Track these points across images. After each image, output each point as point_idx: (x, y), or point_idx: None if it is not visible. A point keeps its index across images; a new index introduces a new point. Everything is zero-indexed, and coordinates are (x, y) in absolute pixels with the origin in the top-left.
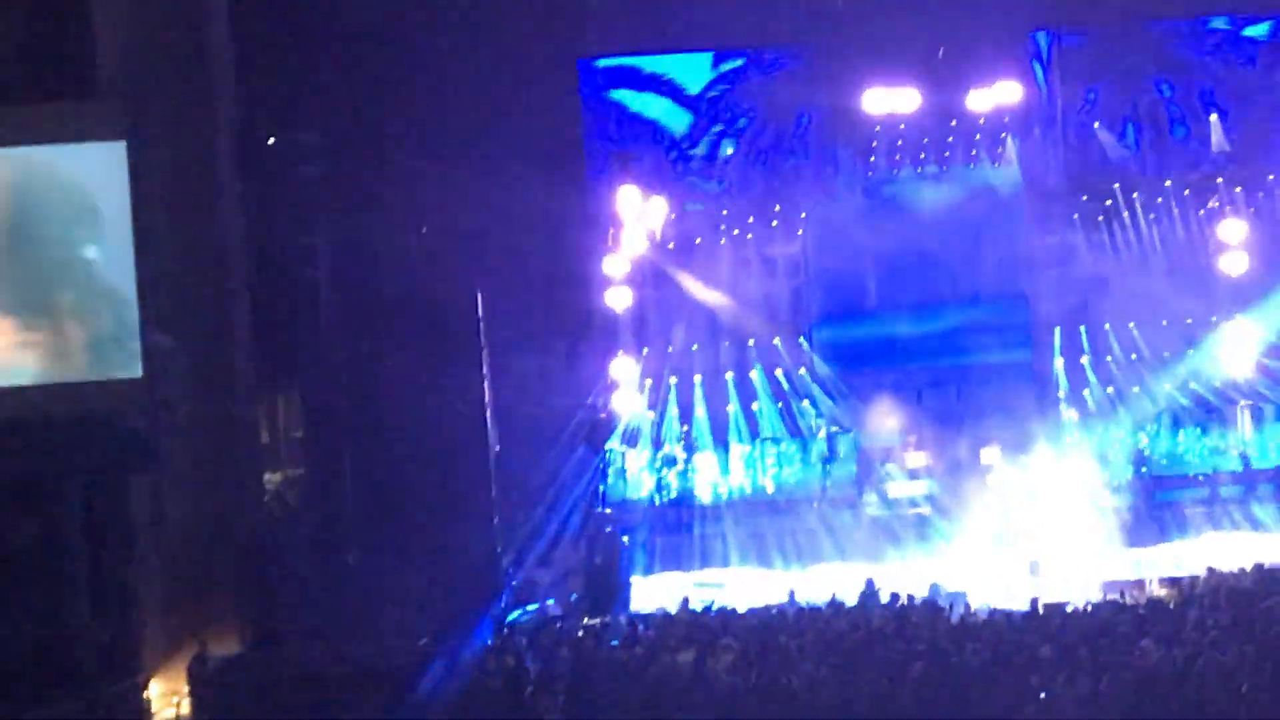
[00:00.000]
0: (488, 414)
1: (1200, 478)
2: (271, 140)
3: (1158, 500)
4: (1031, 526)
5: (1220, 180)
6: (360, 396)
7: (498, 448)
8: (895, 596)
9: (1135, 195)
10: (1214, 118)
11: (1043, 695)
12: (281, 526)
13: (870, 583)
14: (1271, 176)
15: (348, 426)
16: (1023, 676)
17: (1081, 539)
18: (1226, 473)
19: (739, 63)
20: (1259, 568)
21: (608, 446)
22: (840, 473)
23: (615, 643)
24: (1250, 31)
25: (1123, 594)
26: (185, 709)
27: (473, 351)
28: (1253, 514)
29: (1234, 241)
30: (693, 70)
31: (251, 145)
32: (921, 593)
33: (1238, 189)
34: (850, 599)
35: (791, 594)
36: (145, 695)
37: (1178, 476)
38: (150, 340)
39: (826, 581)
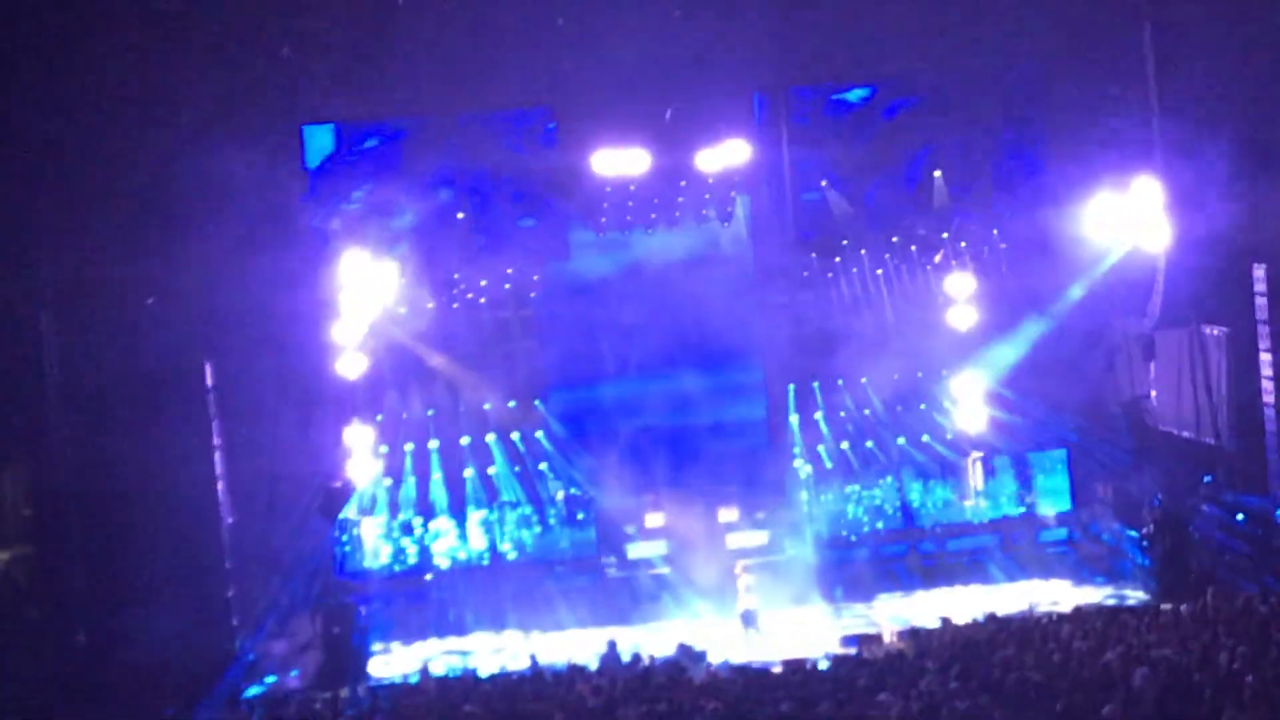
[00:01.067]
0: (219, 485)
1: (937, 529)
2: None
3: (893, 553)
4: (751, 581)
5: (945, 236)
6: (88, 471)
7: (231, 519)
8: (637, 657)
9: (863, 252)
10: (938, 174)
11: None
12: (9, 607)
13: (612, 644)
14: (995, 231)
15: (76, 502)
16: None
17: (804, 594)
18: (959, 524)
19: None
20: (992, 617)
21: (344, 515)
22: (579, 536)
23: (352, 714)
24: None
25: (861, 648)
26: None
27: (202, 422)
28: (985, 564)
29: (961, 296)
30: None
31: None
32: (666, 652)
33: (963, 244)
34: (593, 662)
35: (534, 658)
36: None
37: (915, 528)
38: None
39: (570, 645)
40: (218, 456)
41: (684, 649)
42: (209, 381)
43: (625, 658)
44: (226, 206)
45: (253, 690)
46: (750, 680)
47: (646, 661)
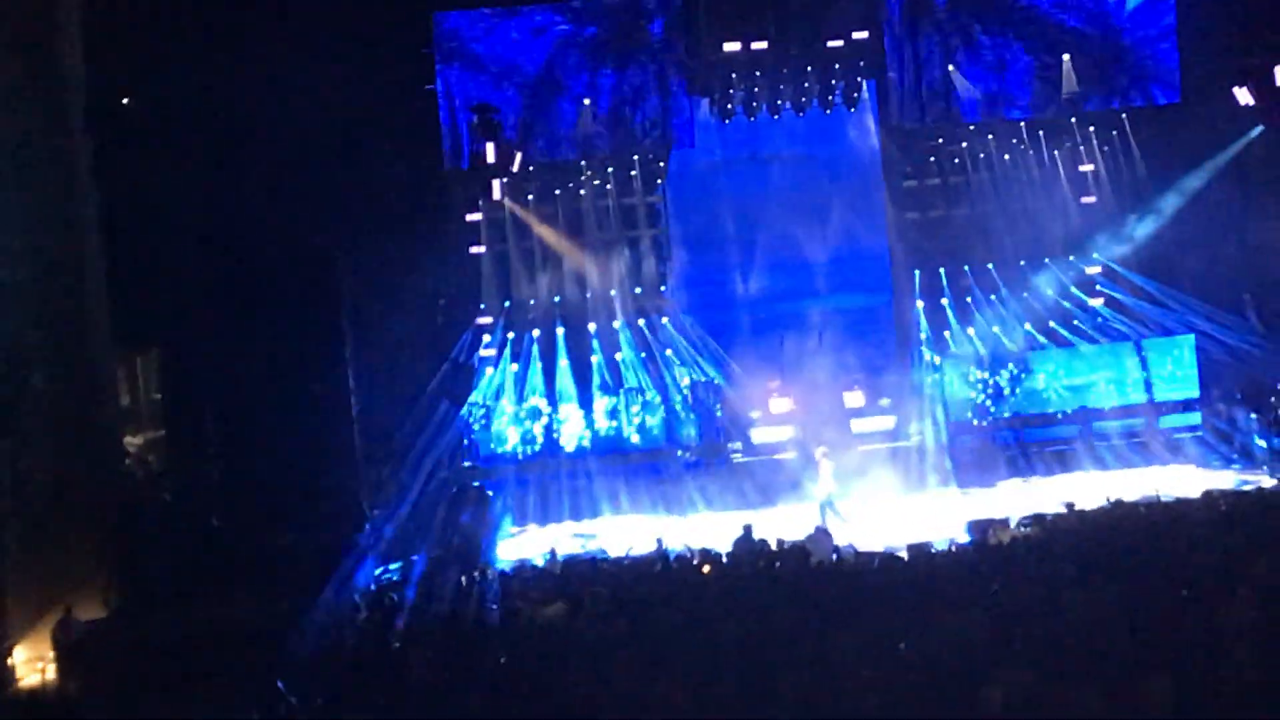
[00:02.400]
0: (349, 371)
1: (1060, 415)
2: (125, 101)
3: (1018, 438)
4: (832, 467)
5: (1073, 121)
6: (220, 358)
7: (360, 405)
8: (763, 542)
9: (991, 137)
10: (1066, 59)
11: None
12: (143, 489)
13: (748, 529)
14: (1124, 114)
15: (208, 388)
16: (889, 615)
17: (930, 479)
18: (1084, 409)
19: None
20: (1118, 503)
21: (471, 400)
22: (705, 421)
23: (484, 596)
24: None
25: (987, 532)
26: (50, 674)
27: (333, 310)
28: (1110, 451)
29: (1089, 180)
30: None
31: (104, 111)
32: (793, 537)
33: (1091, 129)
34: (717, 546)
35: (659, 541)
36: (9, 661)
37: (1038, 414)
38: (8, 303)
39: (697, 529)
40: (348, 342)
41: (820, 531)
42: (339, 269)
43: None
44: (360, 96)
45: (383, 572)
46: (875, 565)
47: (774, 546)
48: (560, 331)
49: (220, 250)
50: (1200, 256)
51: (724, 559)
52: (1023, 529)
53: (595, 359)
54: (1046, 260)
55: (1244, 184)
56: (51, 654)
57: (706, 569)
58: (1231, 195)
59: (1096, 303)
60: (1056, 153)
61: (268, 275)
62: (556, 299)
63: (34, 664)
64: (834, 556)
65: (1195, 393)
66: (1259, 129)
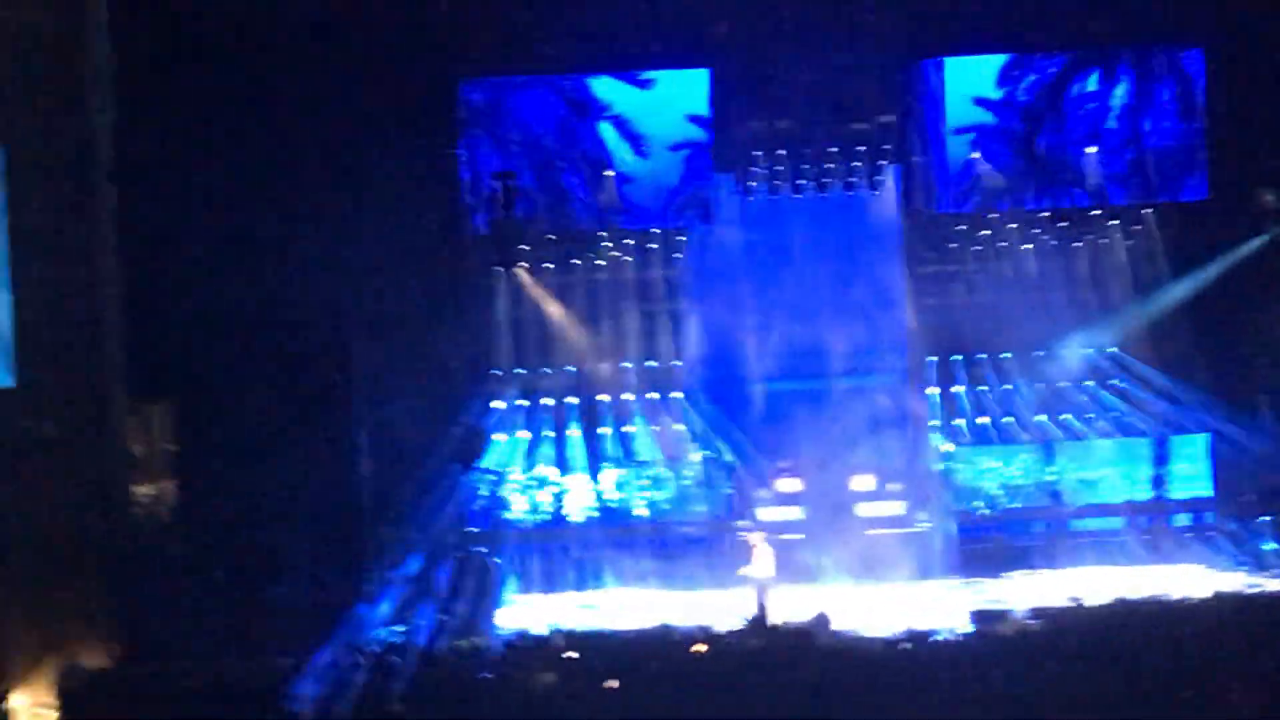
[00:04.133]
0: (360, 431)
1: (1070, 508)
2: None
3: (1027, 529)
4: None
5: (1097, 213)
6: (232, 412)
7: (370, 464)
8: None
9: (1013, 226)
10: (1090, 152)
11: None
12: (151, 540)
13: (762, 605)
14: (1147, 210)
15: (219, 440)
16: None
17: (935, 567)
18: (1095, 505)
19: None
20: (1123, 601)
21: (480, 465)
22: (713, 497)
23: (483, 664)
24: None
25: (990, 623)
26: None
27: (344, 368)
28: (1119, 547)
29: (1109, 271)
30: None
31: (128, 153)
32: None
33: (1114, 222)
34: (721, 624)
35: (662, 618)
36: (8, 708)
37: (1048, 506)
38: (22, 350)
39: (700, 605)
40: (358, 401)
41: (821, 617)
42: (352, 326)
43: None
44: (375, 166)
45: (383, 634)
46: (875, 650)
47: (779, 626)
48: (572, 401)
49: (236, 306)
50: (1218, 355)
51: (723, 637)
52: (1027, 621)
53: (606, 430)
54: (1064, 352)
55: (1264, 283)
56: (54, 701)
57: (702, 648)
58: (1251, 293)
59: (1112, 397)
60: (1078, 245)
61: (281, 328)
62: (570, 369)
63: (34, 711)
64: (834, 639)
65: (1208, 492)
66: None
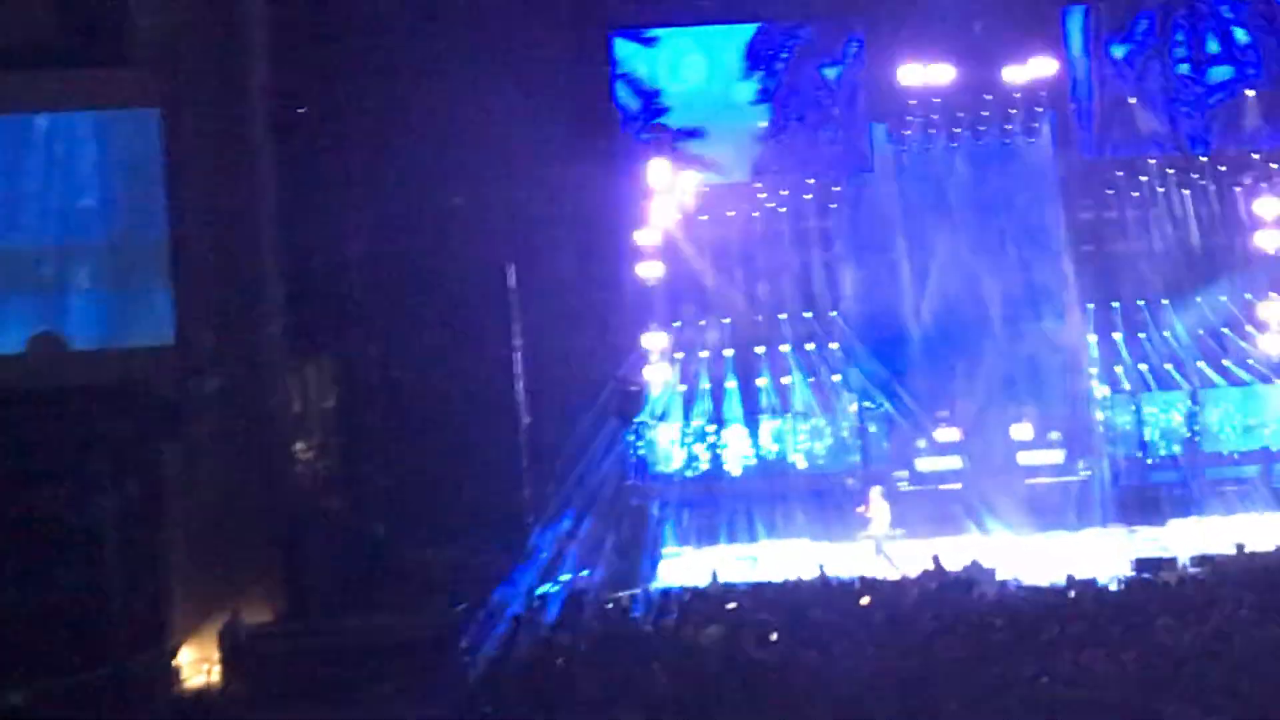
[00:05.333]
0: (518, 386)
1: (1235, 455)
2: (304, 110)
3: (1189, 477)
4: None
5: (1256, 157)
6: (392, 367)
7: (528, 419)
8: (926, 572)
9: (1170, 171)
10: (1250, 94)
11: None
12: (312, 497)
13: (936, 559)
14: None
15: (379, 397)
16: (1049, 653)
17: (1097, 515)
18: (1259, 450)
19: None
20: None
21: (638, 419)
22: (871, 448)
23: (644, 616)
24: None
25: (1155, 571)
26: (216, 677)
27: (503, 322)
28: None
29: (1269, 218)
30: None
31: (286, 115)
32: (954, 568)
33: (1274, 165)
34: (879, 574)
35: (821, 568)
36: (175, 664)
37: (1211, 454)
38: (182, 308)
39: (857, 556)
40: (517, 357)
41: (975, 565)
42: (511, 282)
43: (914, 573)
44: (535, 112)
45: (544, 589)
46: (1040, 600)
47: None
48: (728, 353)
49: (393, 259)
50: None
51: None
52: (1191, 569)
53: (763, 382)
54: (1223, 298)
55: None
56: (217, 657)
57: (866, 600)
58: None
59: (1273, 341)
60: (1237, 189)
61: (439, 285)
62: (725, 320)
63: (199, 666)
64: (997, 589)
65: None
66: None
